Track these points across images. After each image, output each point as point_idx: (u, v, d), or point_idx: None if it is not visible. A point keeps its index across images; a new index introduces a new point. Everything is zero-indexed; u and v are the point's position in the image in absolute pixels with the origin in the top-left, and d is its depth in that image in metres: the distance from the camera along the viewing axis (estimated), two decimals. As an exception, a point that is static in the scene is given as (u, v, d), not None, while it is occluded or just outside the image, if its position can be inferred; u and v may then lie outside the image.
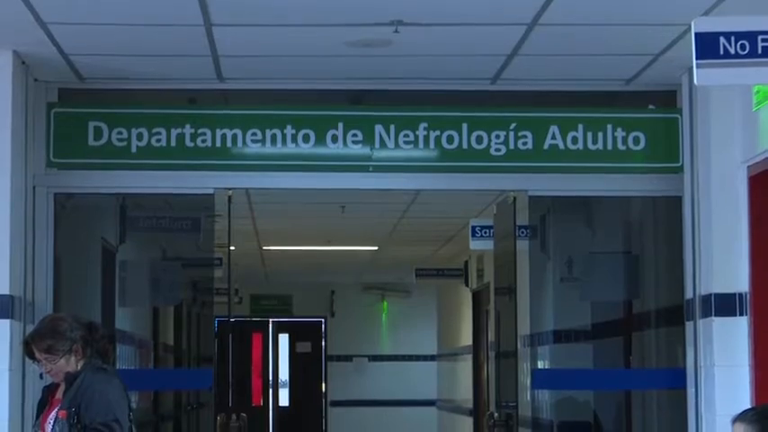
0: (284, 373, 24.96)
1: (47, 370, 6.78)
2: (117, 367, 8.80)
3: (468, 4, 6.77)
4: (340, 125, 8.22)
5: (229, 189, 8.36)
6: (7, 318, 7.44)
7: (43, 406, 6.88)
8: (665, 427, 8.74)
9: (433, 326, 22.27)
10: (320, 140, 8.20)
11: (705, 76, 5.93)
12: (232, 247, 8.98)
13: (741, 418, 5.96)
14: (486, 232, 11.65)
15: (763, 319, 7.37)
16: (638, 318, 9.45)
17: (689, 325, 8.06)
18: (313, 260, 19.15)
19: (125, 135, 8.11)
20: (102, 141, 8.11)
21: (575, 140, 8.24)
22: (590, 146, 8.24)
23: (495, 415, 9.94)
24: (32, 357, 6.84)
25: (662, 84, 8.27)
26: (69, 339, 6.73)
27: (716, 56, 5.87)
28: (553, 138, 8.23)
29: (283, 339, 24.95)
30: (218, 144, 8.17)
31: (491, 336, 14.12)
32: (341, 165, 8.27)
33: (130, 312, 11.38)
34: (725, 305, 7.66)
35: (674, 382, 8.10)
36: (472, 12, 6.88)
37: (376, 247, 17.30)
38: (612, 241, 9.75)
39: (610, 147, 8.24)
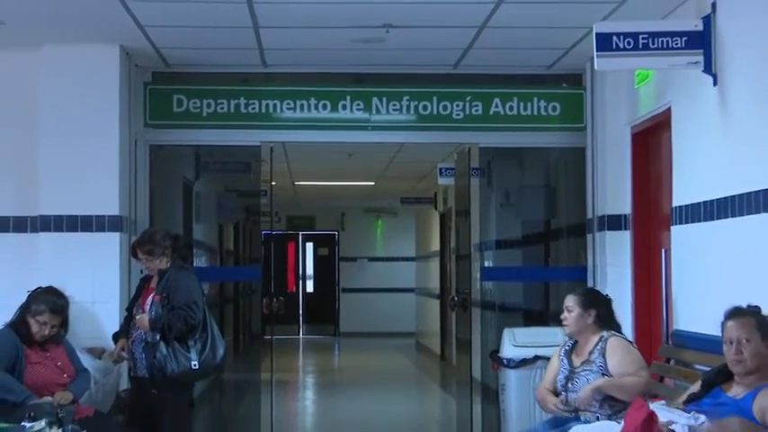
0: (310, 269, 25.04)
1: (146, 266, 6.84)
2: (194, 265, 8.82)
3: (437, 12, 6.76)
4: (348, 97, 8.20)
5: (271, 142, 8.35)
6: (118, 231, 7.46)
7: (140, 290, 6.92)
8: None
9: (412, 237, 22.29)
10: (334, 108, 8.18)
11: (603, 63, 5.92)
12: (273, 183, 8.97)
13: (572, 293, 6.13)
14: (449, 172, 11.63)
15: (639, 233, 7.39)
16: (554, 231, 9.47)
17: (589, 236, 8.09)
18: (329, 191, 19.16)
19: (198, 104, 8.08)
20: (183, 109, 8.09)
21: (511, 108, 8.22)
22: (522, 112, 8.22)
23: (455, 298, 9.99)
24: (136, 257, 6.89)
25: (572, 69, 8.24)
26: (162, 246, 6.77)
27: (610, 49, 5.86)
28: (496, 106, 8.21)
29: (309, 246, 24.99)
30: (263, 111, 8.14)
31: (452, 243, 14.14)
32: (348, 125, 8.24)
33: (203, 228, 11.38)
34: (614, 223, 7.69)
35: (579, 276, 8.13)
36: (440, 18, 6.87)
37: (373, 183, 17.28)
38: (537, 178, 9.74)
39: (535, 113, 8.23)
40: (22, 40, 7.34)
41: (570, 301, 6.07)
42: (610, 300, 6.22)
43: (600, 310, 6.05)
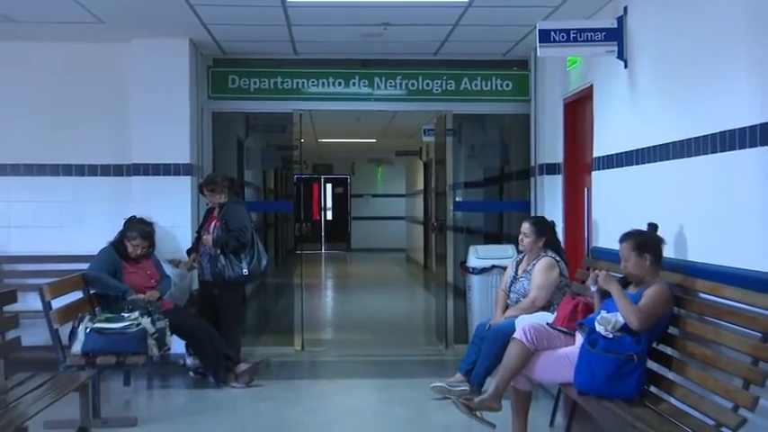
0: (329, 203, 25.08)
1: (209, 200, 6.87)
2: (245, 200, 8.83)
3: (421, 14, 6.70)
4: (356, 77, 8.14)
5: (300, 110, 8.31)
6: (189, 175, 7.46)
7: (206, 218, 6.96)
8: (515, 229, 8.81)
9: (403, 179, 22.30)
10: (346, 85, 8.14)
11: (544, 52, 5.89)
12: (302, 140, 8.93)
13: (527, 220, 6.13)
14: (430, 132, 11.58)
15: (568, 176, 7.39)
16: (506, 175, 9.48)
17: (532, 179, 8.10)
18: (343, 146, 19.11)
19: (247, 82, 8.04)
20: (236, 85, 8.04)
21: (476, 85, 8.17)
22: (484, 88, 8.18)
23: (435, 223, 10.00)
24: (202, 193, 6.91)
25: (521, 56, 8.17)
26: (221, 185, 6.81)
27: (549, 41, 5.82)
28: (465, 84, 8.16)
29: (329, 186, 25.01)
30: (294, 87, 8.10)
31: (432, 184, 14.13)
32: (357, 98, 8.19)
33: (251, 172, 11.39)
34: (550, 169, 7.70)
35: (524, 208, 8.15)
36: (424, 18, 6.82)
37: (375, 140, 17.24)
38: (494, 136, 9.72)
39: (494, 88, 8.18)
40: (116, 36, 7.30)
41: (526, 228, 6.04)
42: (554, 225, 6.23)
43: (548, 238, 6.05)
